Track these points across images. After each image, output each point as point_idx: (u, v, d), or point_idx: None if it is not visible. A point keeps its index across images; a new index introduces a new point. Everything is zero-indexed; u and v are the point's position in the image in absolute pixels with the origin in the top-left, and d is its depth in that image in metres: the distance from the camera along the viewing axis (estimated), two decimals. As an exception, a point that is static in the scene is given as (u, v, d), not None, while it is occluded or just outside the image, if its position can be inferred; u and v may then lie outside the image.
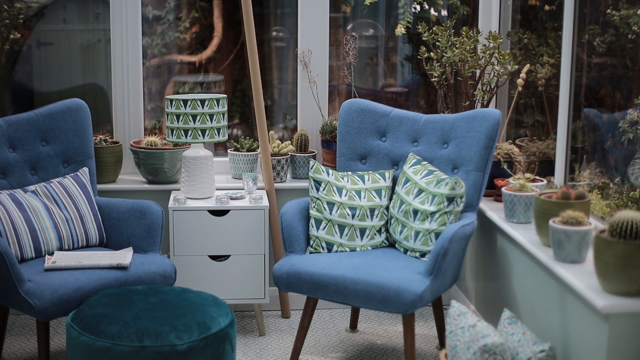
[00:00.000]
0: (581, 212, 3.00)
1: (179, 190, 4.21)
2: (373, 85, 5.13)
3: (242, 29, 4.26)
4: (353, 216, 3.74)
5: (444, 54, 4.14)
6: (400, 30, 4.78)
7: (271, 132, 4.34)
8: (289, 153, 4.36)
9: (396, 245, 3.77)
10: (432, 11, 5.07)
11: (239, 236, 3.97)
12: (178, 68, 5.05)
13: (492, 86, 4.10)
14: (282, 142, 4.36)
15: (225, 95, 4.05)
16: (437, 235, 3.53)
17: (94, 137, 4.23)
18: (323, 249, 3.71)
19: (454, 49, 4.10)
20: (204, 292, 3.38)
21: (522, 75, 3.96)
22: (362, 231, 3.75)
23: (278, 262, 3.60)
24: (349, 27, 5.09)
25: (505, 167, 3.88)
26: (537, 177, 3.77)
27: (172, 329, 2.99)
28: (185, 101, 3.93)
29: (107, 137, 4.28)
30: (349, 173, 3.86)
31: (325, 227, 3.71)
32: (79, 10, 4.79)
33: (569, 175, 3.73)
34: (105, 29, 4.58)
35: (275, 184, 4.25)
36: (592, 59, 3.74)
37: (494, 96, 4.22)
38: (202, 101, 3.94)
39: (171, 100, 3.96)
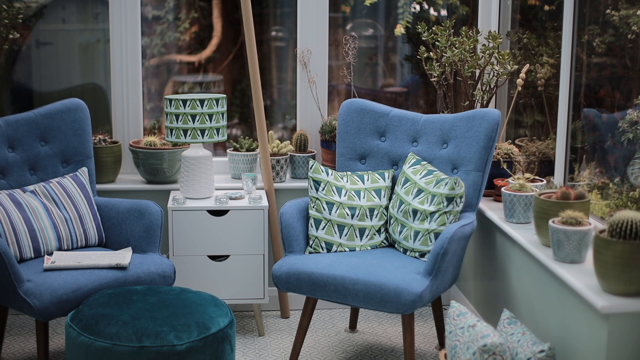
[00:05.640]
0: (581, 212, 3.00)
1: (178, 190, 4.21)
2: (372, 85, 5.12)
3: (241, 28, 4.26)
4: (352, 216, 3.73)
5: (443, 54, 4.14)
6: (399, 30, 4.78)
7: (270, 132, 4.34)
8: (289, 153, 4.35)
9: (395, 245, 3.77)
10: (432, 11, 5.07)
11: (238, 236, 3.97)
12: (177, 68, 5.04)
13: (492, 86, 4.10)
14: (281, 142, 4.35)
15: (225, 95, 4.05)
16: (437, 235, 3.53)
17: (93, 137, 4.23)
18: (322, 249, 3.71)
19: (454, 48, 4.10)
20: (203, 292, 3.38)
21: (522, 75, 3.96)
22: (362, 231, 3.75)
23: (277, 262, 3.59)
24: (348, 27, 5.09)
25: (504, 167, 3.88)
26: (537, 177, 3.77)
27: (172, 329, 2.99)
28: (184, 101, 3.93)
29: (106, 137, 4.28)
30: (349, 173, 3.85)
31: (324, 227, 3.71)
32: (78, 10, 4.79)
33: (568, 175, 3.73)
34: (105, 29, 4.58)
35: (274, 184, 4.25)
36: (591, 59, 3.74)
37: (494, 96, 4.22)
38: (202, 101, 3.94)
39: (170, 100, 3.96)
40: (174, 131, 3.97)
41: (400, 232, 3.68)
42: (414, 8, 5.04)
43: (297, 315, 4.32)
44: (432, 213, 3.55)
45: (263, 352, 3.90)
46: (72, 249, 3.75)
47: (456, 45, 4.12)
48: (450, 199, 3.52)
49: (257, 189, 4.20)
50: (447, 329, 3.00)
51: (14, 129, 3.86)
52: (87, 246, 3.80)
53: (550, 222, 3.01)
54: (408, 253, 3.65)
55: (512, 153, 3.97)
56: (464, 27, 4.17)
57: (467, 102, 4.13)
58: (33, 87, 4.79)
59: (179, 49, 5.03)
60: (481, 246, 3.98)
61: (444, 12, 5.04)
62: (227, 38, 5.06)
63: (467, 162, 3.70)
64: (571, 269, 2.91)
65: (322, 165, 4.28)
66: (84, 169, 3.94)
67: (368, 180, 3.83)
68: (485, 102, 4.11)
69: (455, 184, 3.51)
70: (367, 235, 3.76)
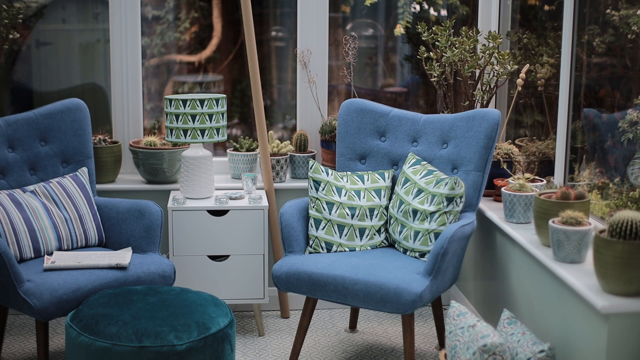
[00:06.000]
0: (581, 212, 3.00)
1: (178, 190, 4.21)
2: (372, 85, 5.12)
3: (241, 28, 4.26)
4: (352, 216, 3.73)
5: (443, 54, 4.14)
6: (399, 30, 4.78)
7: (270, 132, 4.34)
8: (289, 153, 4.35)
9: (395, 245, 3.77)
10: (432, 11, 5.07)
11: (238, 236, 3.97)
12: (177, 68, 5.04)
13: (492, 86, 4.10)
14: (281, 142, 4.35)
15: (225, 95, 4.05)
16: (437, 235, 3.53)
17: (93, 137, 4.23)
18: (322, 249, 3.71)
19: (454, 48, 4.10)
20: (203, 292, 3.38)
21: (522, 75, 3.96)
22: (362, 231, 3.75)
23: (277, 262, 3.59)
24: (348, 27, 5.09)
25: (504, 167, 3.88)
26: (537, 177, 3.77)
27: (172, 329, 2.99)
28: (184, 101, 3.93)
29: (106, 137, 4.28)
30: (349, 173, 3.85)
31: (324, 227, 3.71)
32: (78, 10, 4.79)
33: (568, 175, 3.73)
34: (105, 29, 4.58)
35: (274, 184, 4.25)
36: (591, 59, 3.74)
37: (494, 96, 4.22)
38: (202, 101, 3.94)
39: (170, 100, 3.96)
40: (174, 131, 3.97)
41: (400, 232, 3.68)
42: (414, 8, 5.04)
43: (297, 315, 4.32)
44: (432, 213, 3.55)
45: (263, 352, 3.90)
46: (72, 249, 3.75)
47: (456, 45, 4.12)
48: (450, 199, 3.52)
49: (257, 189, 4.20)
50: (447, 329, 3.00)
51: (14, 129, 3.86)
52: (87, 246, 3.80)
53: (550, 222, 3.01)
54: (408, 253, 3.65)
55: (512, 153, 3.97)
56: (464, 27, 4.17)
57: (467, 102, 4.13)
58: (33, 87, 4.79)
59: (179, 49, 5.03)
60: (481, 246, 3.98)
61: (444, 12, 5.04)
62: (227, 38, 5.06)
63: (467, 162, 3.70)
64: (571, 269, 2.91)
65: (322, 165, 4.28)
66: (84, 169, 3.94)
67: (368, 180, 3.83)
68: (485, 102, 4.11)
69: (455, 184, 3.51)
70: (367, 235, 3.76)
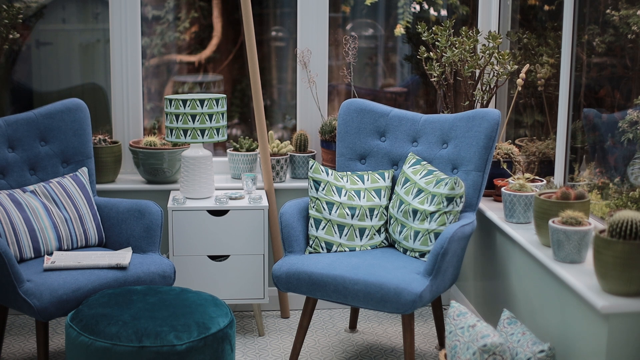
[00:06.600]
0: (581, 212, 3.00)
1: (178, 190, 4.21)
2: (372, 85, 5.12)
3: (241, 28, 4.26)
4: (352, 216, 3.73)
5: (443, 54, 4.14)
6: (399, 30, 4.78)
7: (270, 132, 4.34)
8: (289, 153, 4.35)
9: (395, 245, 3.77)
10: (432, 11, 5.07)
11: (238, 236, 3.97)
12: (177, 68, 5.04)
13: (492, 86, 4.10)
14: (281, 142, 4.35)
15: (225, 95, 4.05)
16: (437, 235, 3.53)
17: (93, 137, 4.23)
18: (322, 249, 3.71)
19: (454, 48, 4.10)
20: (203, 292, 3.38)
21: (522, 75, 3.96)
22: (362, 231, 3.75)
23: (277, 262, 3.59)
24: (348, 27, 5.09)
25: (504, 167, 3.88)
26: (537, 177, 3.77)
27: (172, 329, 2.99)
28: (184, 101, 3.93)
29: (106, 137, 4.28)
30: (349, 173, 3.85)
31: (324, 227, 3.71)
32: (78, 10, 4.79)
33: (568, 175, 3.73)
34: (105, 29, 4.58)
35: (274, 184, 4.25)
36: (591, 59, 3.74)
37: (494, 96, 4.22)
38: (202, 101, 3.94)
39: (170, 100, 3.96)
40: (174, 131, 3.97)
41: (400, 232, 3.68)
42: (414, 8, 5.04)
43: (297, 315, 4.32)
44: (432, 213, 3.55)
45: (263, 352, 3.90)
46: (72, 249, 3.75)
47: (456, 45, 4.12)
48: (450, 199, 3.52)
49: (257, 189, 4.20)
50: (447, 329, 3.00)
51: (14, 129, 3.86)
52: (87, 246, 3.80)
53: (550, 222, 3.01)
54: (408, 253, 3.65)
55: (512, 153, 3.97)
56: (464, 27, 4.17)
57: (467, 102, 4.13)
58: (33, 87, 4.79)
59: (179, 49, 5.03)
60: (481, 246, 3.98)
61: (444, 12, 5.04)
62: (227, 38, 5.06)
63: (467, 162, 3.70)
64: (571, 269, 2.91)
65: (322, 165, 4.28)
66: (84, 169, 3.94)
67: (368, 180, 3.83)
68: (485, 102, 4.11)
69: (455, 184, 3.51)
70: (367, 235, 3.76)
